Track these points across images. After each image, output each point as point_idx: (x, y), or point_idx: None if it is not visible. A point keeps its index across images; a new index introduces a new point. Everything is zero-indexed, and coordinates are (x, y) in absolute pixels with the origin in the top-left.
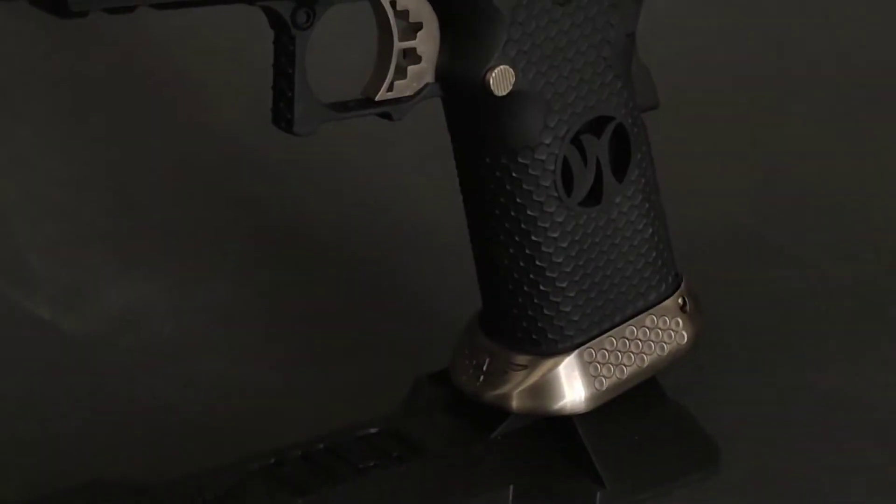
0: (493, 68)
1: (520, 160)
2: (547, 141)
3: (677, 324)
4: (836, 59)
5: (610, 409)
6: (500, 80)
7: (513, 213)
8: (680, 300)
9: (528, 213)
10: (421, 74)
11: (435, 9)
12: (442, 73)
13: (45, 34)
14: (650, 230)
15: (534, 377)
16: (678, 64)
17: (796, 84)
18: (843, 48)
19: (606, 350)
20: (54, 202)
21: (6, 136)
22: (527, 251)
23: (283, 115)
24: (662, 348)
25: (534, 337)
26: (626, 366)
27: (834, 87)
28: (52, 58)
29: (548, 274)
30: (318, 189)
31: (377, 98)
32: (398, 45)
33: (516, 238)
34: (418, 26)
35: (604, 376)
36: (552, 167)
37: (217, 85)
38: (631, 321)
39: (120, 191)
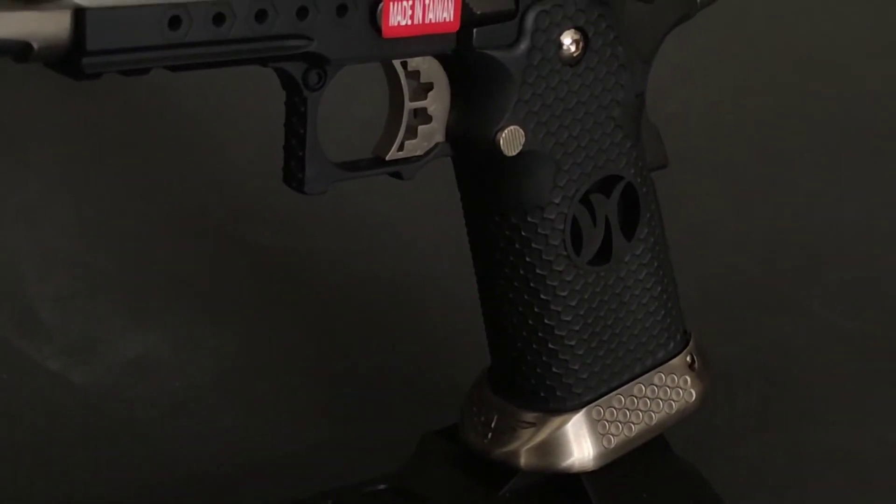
0: (503, 128)
1: (529, 219)
2: (556, 200)
3: (685, 382)
4: (845, 113)
5: (618, 466)
6: (511, 140)
7: (522, 272)
8: (688, 358)
9: (538, 271)
10: (431, 134)
11: (446, 69)
12: (452, 133)
13: (57, 83)
14: (659, 288)
15: (542, 435)
16: (686, 118)
17: (804, 137)
18: (852, 103)
19: (615, 408)
20: (64, 253)
21: (17, 186)
22: (536, 309)
23: (294, 175)
24: (671, 406)
25: (542, 394)
26: (634, 424)
27: (843, 140)
28: (63, 107)
29: (556, 332)
30: (327, 242)
31: (388, 158)
32: (409, 105)
33: (525, 296)
34: (429, 86)
35: (612, 434)
36: (561, 226)
37: (227, 137)
38: (639, 379)
39: (130, 241)
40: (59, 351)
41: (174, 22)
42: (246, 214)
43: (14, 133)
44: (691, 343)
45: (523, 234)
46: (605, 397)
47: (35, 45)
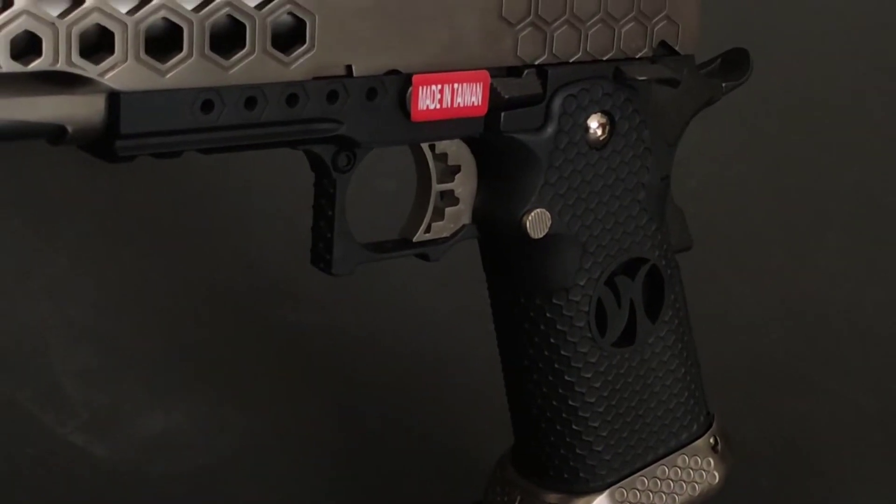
0: (529, 211)
1: (554, 301)
2: (581, 282)
3: (709, 463)
4: (868, 192)
5: None
6: (537, 223)
7: (546, 353)
8: (711, 440)
9: (562, 353)
10: (458, 216)
11: (473, 152)
12: (479, 215)
13: (84, 160)
14: (682, 370)
15: None
16: (706, 195)
17: (826, 215)
18: (876, 182)
19: (638, 490)
20: (90, 328)
21: (45, 262)
22: (560, 390)
23: (322, 256)
24: (694, 488)
25: (565, 475)
26: None
27: (865, 219)
28: (90, 184)
29: (580, 413)
30: (351, 319)
31: (415, 239)
32: (436, 188)
33: (549, 377)
34: (456, 169)
35: None
36: (586, 308)
37: (252, 215)
38: (662, 461)
39: (155, 317)
40: (83, 425)
41: (206, 105)
42: (270, 291)
43: (43, 209)
44: (714, 424)
45: (548, 315)
46: (629, 479)
47: (69, 129)
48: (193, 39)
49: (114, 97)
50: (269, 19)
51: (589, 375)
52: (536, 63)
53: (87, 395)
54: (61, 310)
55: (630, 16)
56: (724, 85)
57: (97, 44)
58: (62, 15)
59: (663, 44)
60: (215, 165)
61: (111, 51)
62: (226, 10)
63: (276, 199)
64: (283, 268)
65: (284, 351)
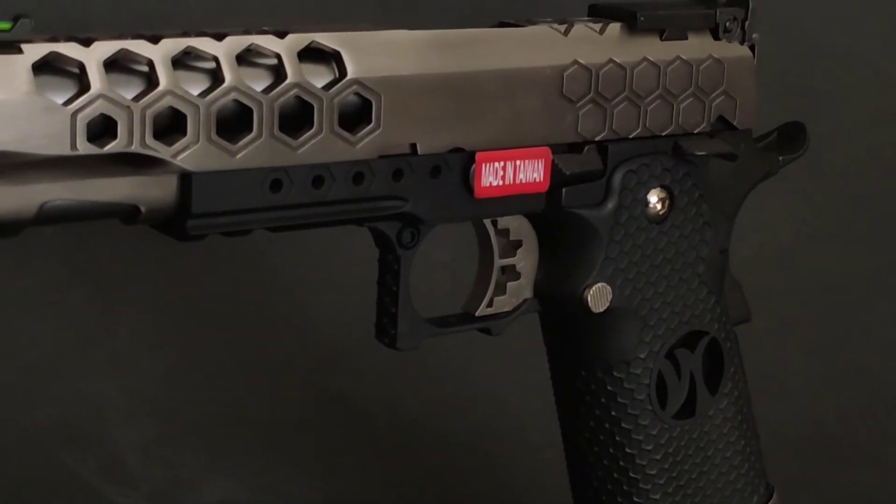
0: (590, 286)
1: (615, 374)
2: (642, 355)
3: None
4: None
5: None
6: (598, 297)
7: (607, 425)
8: None
9: (623, 425)
10: (520, 290)
11: (534, 227)
12: (540, 290)
13: (144, 232)
14: (742, 442)
15: None
16: (760, 263)
17: (879, 283)
18: None
19: None
20: (150, 400)
21: (106, 335)
22: (620, 463)
23: (386, 331)
24: None
25: None
26: None
27: None
28: (150, 257)
29: (642, 486)
30: (410, 391)
31: (477, 314)
32: (498, 262)
33: (611, 449)
34: (518, 244)
35: None
36: (647, 381)
37: (310, 287)
38: None
39: (214, 389)
40: (144, 497)
41: (275, 185)
42: (327, 363)
43: (104, 282)
44: (774, 496)
45: (609, 388)
46: None
47: (143, 209)
48: (263, 120)
49: (186, 178)
50: (337, 100)
51: (650, 448)
52: (597, 139)
53: (148, 467)
54: (122, 382)
55: (688, 92)
56: (780, 158)
57: (170, 126)
58: (137, 98)
59: (721, 119)
60: (273, 237)
61: (183, 132)
62: (294, 91)
63: (332, 271)
64: (341, 340)
65: (343, 422)
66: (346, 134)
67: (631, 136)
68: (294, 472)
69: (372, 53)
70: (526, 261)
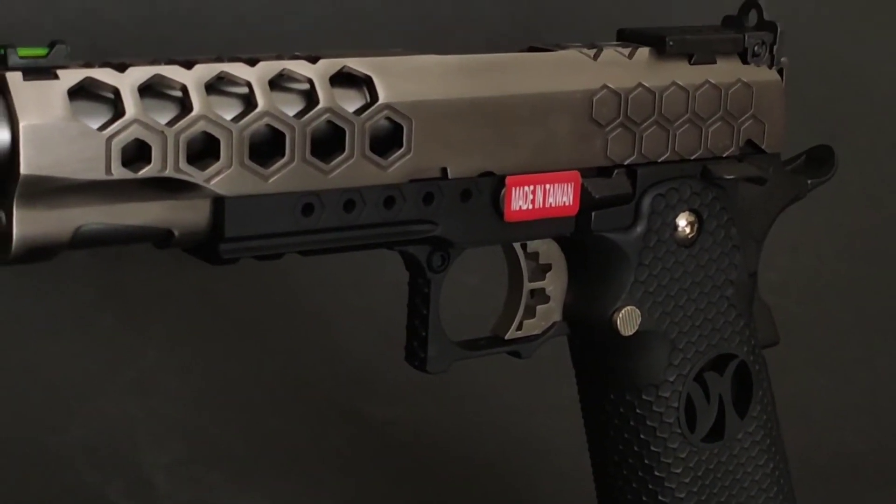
0: (619, 309)
1: (644, 397)
2: (671, 379)
3: None
4: None
5: None
6: (627, 320)
7: (636, 448)
8: None
9: (652, 448)
10: (549, 314)
11: (564, 250)
12: (569, 313)
13: (171, 254)
14: (771, 465)
15: None
16: (787, 287)
17: None
18: None
19: None
20: (177, 421)
21: (134, 357)
22: (650, 486)
23: (416, 354)
24: None
25: None
26: None
27: None
28: (178, 278)
29: None
30: (437, 413)
31: (507, 337)
32: (528, 286)
33: (639, 472)
34: (548, 267)
35: None
36: (676, 404)
37: (337, 308)
38: None
39: (241, 410)
40: None
41: (307, 209)
42: (355, 385)
43: (132, 305)
44: None
45: (638, 411)
46: None
47: (176, 233)
48: (295, 145)
49: (219, 202)
50: (368, 124)
51: (678, 471)
52: (626, 163)
53: (175, 488)
54: (150, 403)
55: (717, 116)
56: (809, 182)
57: (203, 150)
58: (170, 123)
59: (750, 142)
60: (301, 260)
61: (216, 157)
62: (326, 115)
63: (360, 294)
64: (369, 362)
65: (370, 444)
66: (377, 158)
67: (660, 160)
68: (320, 494)
69: (403, 78)
70: (555, 284)
